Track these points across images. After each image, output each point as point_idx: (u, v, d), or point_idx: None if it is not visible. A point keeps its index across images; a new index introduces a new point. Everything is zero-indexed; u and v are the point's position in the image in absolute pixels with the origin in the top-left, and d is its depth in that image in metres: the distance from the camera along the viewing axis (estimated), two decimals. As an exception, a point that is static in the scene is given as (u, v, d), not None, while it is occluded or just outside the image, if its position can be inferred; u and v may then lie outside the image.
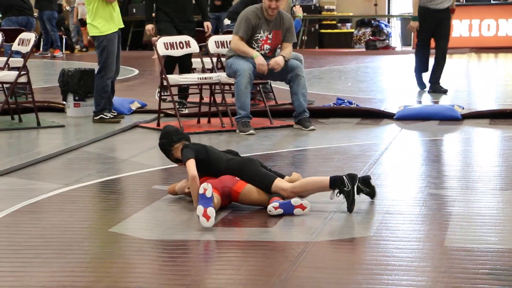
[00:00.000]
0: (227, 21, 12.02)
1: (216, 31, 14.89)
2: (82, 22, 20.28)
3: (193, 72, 10.31)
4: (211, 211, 5.20)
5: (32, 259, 4.76)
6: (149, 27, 10.44)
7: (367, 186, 5.73)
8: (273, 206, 5.50)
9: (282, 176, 5.87)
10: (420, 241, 5.07)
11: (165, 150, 6.12)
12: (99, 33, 9.37)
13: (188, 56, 9.94)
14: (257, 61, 8.81)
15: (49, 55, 18.77)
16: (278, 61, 8.86)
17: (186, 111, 10.06)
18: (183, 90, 10.26)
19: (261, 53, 8.96)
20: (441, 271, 4.44)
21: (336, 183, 5.56)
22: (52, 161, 7.58)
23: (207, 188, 5.25)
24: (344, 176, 5.58)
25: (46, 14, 18.13)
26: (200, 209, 5.20)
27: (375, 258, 4.76)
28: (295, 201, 5.51)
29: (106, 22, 9.36)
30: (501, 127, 9.15)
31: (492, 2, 19.92)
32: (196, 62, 10.32)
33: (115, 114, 9.57)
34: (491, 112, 9.86)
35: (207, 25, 10.65)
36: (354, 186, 5.54)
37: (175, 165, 7.44)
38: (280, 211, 5.49)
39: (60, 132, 9.11)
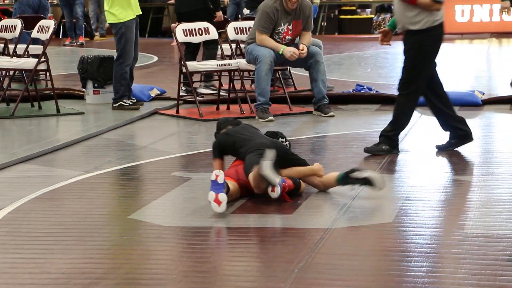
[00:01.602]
0: (246, 11, 11.98)
1: (236, 17, 14.84)
2: None
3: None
4: (222, 196, 5.22)
5: (52, 246, 4.78)
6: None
7: (357, 180, 5.64)
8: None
9: (306, 164, 5.85)
10: (440, 228, 5.04)
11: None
12: (117, 20, 9.38)
13: (213, 42, 9.89)
14: (287, 53, 8.78)
15: (78, 42, 18.59)
16: (303, 53, 8.83)
17: (208, 92, 10.01)
18: (209, 76, 10.23)
19: (282, 43, 8.93)
20: (461, 258, 4.42)
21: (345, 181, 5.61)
22: (72, 148, 7.60)
23: (218, 174, 5.27)
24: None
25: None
26: (211, 194, 5.23)
27: (394, 245, 4.75)
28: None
29: (123, 9, 9.36)
30: (522, 112, 9.08)
31: (513, -14, 19.72)
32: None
33: (134, 101, 9.58)
34: (511, 97, 9.78)
35: (219, 15, 10.65)
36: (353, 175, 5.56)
37: (195, 151, 7.47)
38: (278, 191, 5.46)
39: (79, 119, 9.13)
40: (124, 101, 9.45)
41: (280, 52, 8.80)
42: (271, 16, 8.84)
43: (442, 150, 7.04)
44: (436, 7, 6.80)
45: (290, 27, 8.95)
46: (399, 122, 6.98)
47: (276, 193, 5.45)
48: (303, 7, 8.97)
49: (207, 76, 9.99)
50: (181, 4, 10.33)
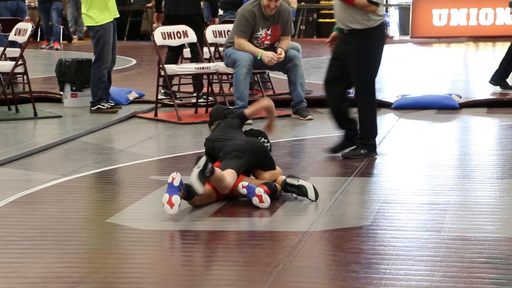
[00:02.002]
0: (220, 11, 12.01)
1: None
2: None
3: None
4: (175, 198, 5.25)
5: (29, 250, 4.75)
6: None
7: (292, 187, 5.65)
8: (243, 185, 5.50)
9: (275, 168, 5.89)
10: (418, 230, 5.06)
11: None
12: (95, 23, 9.35)
13: (194, 44, 9.84)
14: (265, 58, 8.79)
15: (53, 46, 18.41)
16: (281, 57, 8.84)
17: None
18: (195, 80, 10.21)
19: (261, 49, 8.94)
20: (438, 260, 4.44)
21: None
22: (49, 152, 7.57)
23: (175, 177, 5.29)
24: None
25: (57, 4, 17.89)
26: (165, 196, 5.26)
27: (372, 248, 4.76)
28: (259, 190, 5.49)
29: (101, 12, 9.33)
30: (498, 116, 9.14)
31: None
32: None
33: (112, 104, 9.55)
34: (488, 101, 9.86)
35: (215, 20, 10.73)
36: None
37: (173, 155, 7.45)
38: (244, 191, 5.48)
39: (57, 123, 9.09)
40: (102, 104, 9.42)
41: (258, 57, 8.81)
42: (250, 20, 8.85)
43: (334, 152, 7.01)
44: (372, 9, 6.77)
45: (268, 32, 8.96)
46: (368, 128, 6.92)
47: (242, 191, 5.47)
48: (282, 12, 8.98)
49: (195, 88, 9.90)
50: (177, 6, 10.06)
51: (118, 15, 9.55)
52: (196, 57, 9.79)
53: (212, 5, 11.21)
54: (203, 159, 5.38)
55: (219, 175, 5.47)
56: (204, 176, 5.35)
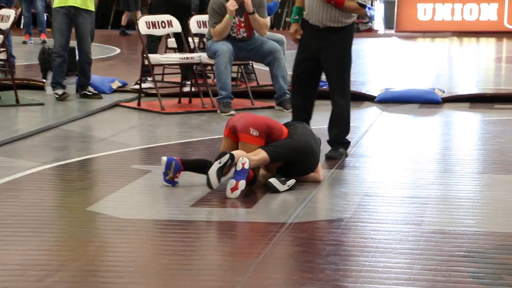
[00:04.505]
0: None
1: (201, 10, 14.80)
2: None
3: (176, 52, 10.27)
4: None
5: (9, 237, 4.73)
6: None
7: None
8: (242, 162, 5.52)
9: None
10: (398, 223, 5.08)
11: None
12: (53, 6, 9.39)
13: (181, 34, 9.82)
14: (229, 7, 8.78)
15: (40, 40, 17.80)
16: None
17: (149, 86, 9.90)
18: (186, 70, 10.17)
19: (238, 38, 8.95)
20: (418, 253, 4.46)
21: None
22: (31, 139, 7.53)
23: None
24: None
25: None
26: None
27: (352, 240, 4.77)
28: (242, 183, 5.50)
29: None
30: (480, 111, 9.19)
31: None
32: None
33: (93, 92, 9.54)
34: (471, 96, 9.90)
35: None
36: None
37: (155, 144, 7.44)
38: (239, 167, 5.52)
39: (39, 110, 9.04)
40: (55, 92, 9.37)
41: (229, 17, 8.80)
42: (218, 10, 8.92)
43: None
44: (361, 12, 6.85)
45: (242, 19, 8.98)
46: (344, 125, 6.86)
47: (234, 195, 5.49)
48: None
49: (185, 78, 9.87)
50: None
51: (74, 3, 9.36)
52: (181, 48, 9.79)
53: None
54: (226, 157, 5.48)
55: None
56: (222, 173, 5.49)
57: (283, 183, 5.65)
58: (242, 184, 5.46)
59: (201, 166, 5.73)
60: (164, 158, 5.73)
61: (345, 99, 6.88)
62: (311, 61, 6.81)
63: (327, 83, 9.20)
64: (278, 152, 5.72)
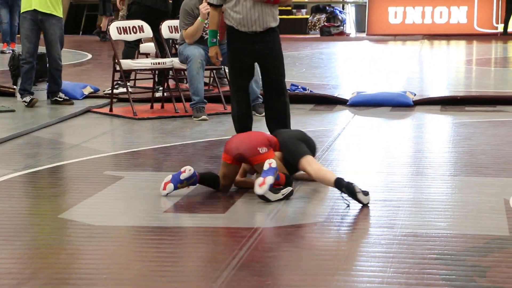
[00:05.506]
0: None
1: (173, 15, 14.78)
2: None
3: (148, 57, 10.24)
4: (170, 187, 5.65)
5: (-21, 246, 4.69)
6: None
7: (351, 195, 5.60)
8: (269, 163, 5.58)
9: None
10: (370, 227, 5.10)
11: None
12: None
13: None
14: (202, 10, 8.80)
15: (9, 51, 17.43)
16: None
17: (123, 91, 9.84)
18: (161, 75, 10.13)
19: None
20: (390, 256, 4.48)
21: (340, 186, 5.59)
22: (1, 146, 7.47)
23: (185, 171, 5.66)
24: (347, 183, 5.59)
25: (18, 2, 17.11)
26: (167, 178, 5.68)
27: (325, 244, 4.79)
28: (270, 179, 5.52)
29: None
30: (451, 113, 9.25)
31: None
32: (150, 46, 10.26)
33: (64, 98, 9.49)
34: (442, 98, 9.96)
35: None
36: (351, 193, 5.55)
37: (128, 150, 7.41)
38: (267, 166, 5.55)
39: (10, 117, 8.97)
40: (25, 99, 9.32)
41: (201, 20, 8.79)
42: (190, 12, 8.92)
43: None
44: (289, 1, 6.99)
45: None
46: (288, 123, 6.88)
47: (262, 189, 5.51)
48: None
49: (158, 83, 9.83)
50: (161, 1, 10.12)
51: (38, 8, 9.24)
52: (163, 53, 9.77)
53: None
54: (291, 192, 5.61)
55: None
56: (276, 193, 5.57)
57: (276, 192, 5.60)
58: (269, 179, 5.46)
59: (214, 181, 5.77)
60: (191, 170, 5.66)
61: (287, 97, 6.92)
62: (248, 68, 6.84)
63: (298, 87, 9.23)
64: (290, 149, 5.87)
